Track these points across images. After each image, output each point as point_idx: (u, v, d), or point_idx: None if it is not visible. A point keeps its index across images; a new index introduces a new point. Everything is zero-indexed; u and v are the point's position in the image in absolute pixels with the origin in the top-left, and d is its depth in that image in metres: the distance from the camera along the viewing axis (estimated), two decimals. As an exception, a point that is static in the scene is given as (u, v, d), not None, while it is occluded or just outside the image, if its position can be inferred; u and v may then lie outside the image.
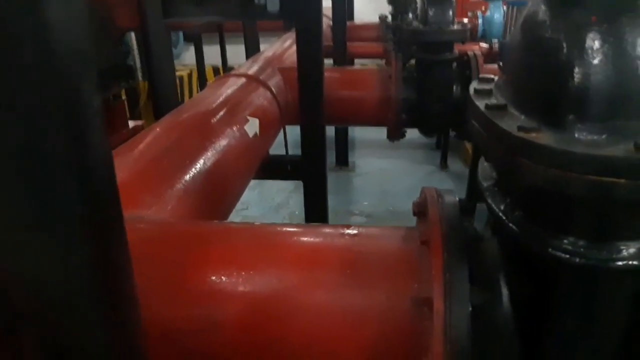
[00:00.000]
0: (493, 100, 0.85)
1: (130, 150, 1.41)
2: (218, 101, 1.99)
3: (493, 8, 5.60)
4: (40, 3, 0.43)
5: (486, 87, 0.94)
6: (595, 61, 0.69)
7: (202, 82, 5.95)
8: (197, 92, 5.94)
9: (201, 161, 1.46)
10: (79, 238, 0.52)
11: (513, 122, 0.74)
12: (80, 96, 0.50)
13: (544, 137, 0.67)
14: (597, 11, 0.72)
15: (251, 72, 2.52)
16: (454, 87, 2.71)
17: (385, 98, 2.74)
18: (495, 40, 4.70)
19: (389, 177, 4.39)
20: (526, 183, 0.72)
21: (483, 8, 6.62)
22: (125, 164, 1.30)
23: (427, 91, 2.72)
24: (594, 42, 0.70)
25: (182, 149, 1.48)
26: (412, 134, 3.00)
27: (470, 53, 2.72)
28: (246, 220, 3.58)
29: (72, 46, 0.47)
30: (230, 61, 6.27)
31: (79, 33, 0.48)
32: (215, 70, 7.98)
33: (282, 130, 2.58)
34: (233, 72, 2.54)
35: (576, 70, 0.69)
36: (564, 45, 0.72)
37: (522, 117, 0.77)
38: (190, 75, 5.81)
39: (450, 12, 2.67)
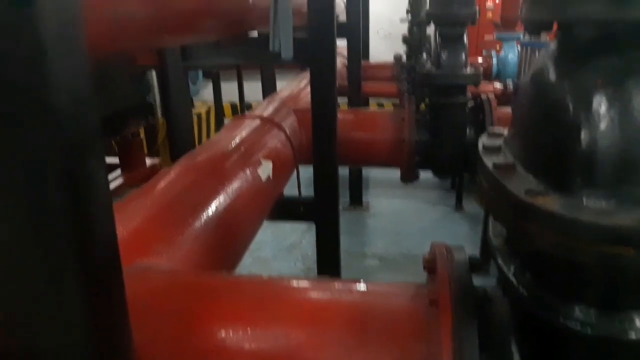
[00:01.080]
0: (501, 159, 0.85)
1: (145, 196, 1.44)
2: (232, 144, 2.02)
3: (507, 48, 5.67)
4: (45, 82, 0.45)
5: (495, 143, 0.94)
6: (602, 126, 0.69)
7: (219, 119, 6.07)
8: (215, 128, 6.05)
9: (213, 207, 1.47)
10: (75, 297, 0.52)
11: (521, 184, 0.74)
12: (84, 167, 0.51)
13: (552, 202, 0.67)
14: (603, 73, 0.73)
15: (266, 113, 2.56)
16: (468, 130, 2.71)
17: (399, 140, 2.75)
18: (509, 81, 4.72)
19: (403, 218, 4.36)
20: (534, 247, 0.71)
21: (497, 47, 6.70)
22: (139, 210, 1.32)
23: (440, 134, 2.73)
24: (600, 106, 0.70)
25: (195, 195, 1.49)
26: (427, 173, 3.00)
27: (483, 97, 2.74)
28: (258, 261, 3.57)
29: (78, 125, 0.49)
30: (248, 97, 6.40)
31: (86, 113, 0.50)
32: (233, 107, 8.15)
33: (295, 171, 2.60)
34: (249, 113, 2.59)
35: (583, 134, 0.69)
36: (571, 107, 0.72)
37: (530, 176, 0.77)
38: (208, 113, 5.94)
39: (463, 55, 2.70)
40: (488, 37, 7.60)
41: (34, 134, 0.46)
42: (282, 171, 2.26)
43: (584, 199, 0.67)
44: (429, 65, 2.77)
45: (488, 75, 5.57)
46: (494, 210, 0.83)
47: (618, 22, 0.69)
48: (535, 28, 0.78)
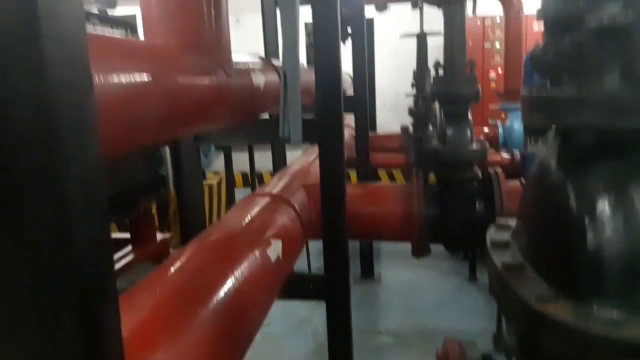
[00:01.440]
0: (510, 257, 0.85)
1: (153, 283, 1.43)
2: (242, 224, 2.04)
3: (512, 118, 5.78)
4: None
5: (503, 237, 0.94)
6: (607, 232, 0.69)
7: (230, 190, 6.14)
8: (226, 199, 6.11)
9: (222, 294, 1.46)
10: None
11: (531, 288, 0.73)
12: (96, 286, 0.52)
13: (562, 311, 0.66)
14: (604, 178, 0.74)
15: (275, 191, 2.60)
16: (477, 205, 2.72)
17: (408, 214, 2.76)
18: (516, 151, 4.78)
19: (416, 290, 4.26)
20: (546, 354, 0.69)
21: (503, 116, 6.84)
22: (146, 300, 1.32)
23: (449, 209, 2.74)
24: (603, 212, 0.70)
25: (204, 281, 1.49)
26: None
27: (491, 171, 2.77)
28: (268, 338, 3.47)
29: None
30: (259, 166, 6.51)
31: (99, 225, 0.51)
32: (244, 176, 8.28)
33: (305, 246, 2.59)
34: (259, 191, 2.63)
35: (588, 241, 0.69)
36: (574, 212, 0.73)
37: (540, 279, 0.77)
38: (219, 184, 6.02)
39: (468, 132, 2.76)
40: (493, 106, 7.80)
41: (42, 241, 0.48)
42: (291, 248, 2.26)
43: (595, 307, 0.66)
44: (435, 141, 2.83)
45: (495, 144, 5.65)
46: (505, 310, 0.82)
47: (616, 130, 0.71)
48: (535, 132, 0.80)
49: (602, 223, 0.69)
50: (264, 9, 4.09)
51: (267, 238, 2.02)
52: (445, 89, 2.68)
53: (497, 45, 7.99)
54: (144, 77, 1.15)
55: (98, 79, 0.98)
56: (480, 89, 2.73)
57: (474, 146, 2.72)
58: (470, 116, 2.78)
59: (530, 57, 0.86)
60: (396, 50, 8.36)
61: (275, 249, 2.00)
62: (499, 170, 2.80)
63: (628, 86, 0.70)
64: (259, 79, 2.07)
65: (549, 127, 0.80)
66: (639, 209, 0.69)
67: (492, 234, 0.97)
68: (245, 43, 7.08)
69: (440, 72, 2.78)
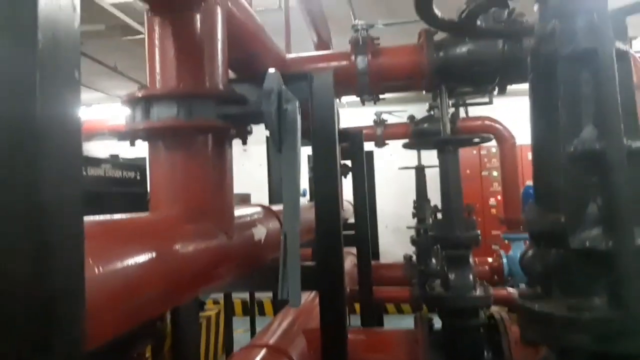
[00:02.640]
0: None
1: None
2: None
3: (515, 248, 5.77)
4: None
5: None
6: None
7: (229, 319, 5.95)
8: (224, 334, 5.87)
9: None
10: None
11: None
12: None
13: None
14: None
15: (274, 339, 2.51)
16: (484, 354, 2.60)
17: (413, 364, 2.63)
18: (522, 286, 4.69)
19: None
20: None
21: (506, 241, 6.83)
22: None
23: (456, 356, 2.62)
24: None
25: None
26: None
27: (497, 316, 2.69)
28: None
29: None
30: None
31: None
32: (244, 304, 8.06)
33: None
34: (255, 340, 2.54)
35: None
36: None
37: None
38: (218, 315, 5.85)
39: (471, 277, 2.74)
40: (495, 232, 7.84)
41: None
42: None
43: None
44: (438, 285, 2.79)
45: (500, 274, 5.57)
46: None
47: (607, 353, 0.70)
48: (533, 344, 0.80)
49: None
50: (269, 149, 4.31)
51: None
52: (445, 234, 2.72)
53: (495, 173, 8.27)
54: (145, 260, 1.17)
55: (97, 269, 1.00)
56: (479, 233, 2.76)
57: (478, 291, 2.68)
58: (471, 260, 2.78)
59: (519, 262, 0.88)
60: (397, 177, 8.64)
61: (271, 415, 1.87)
62: (505, 315, 2.72)
63: (617, 310, 0.71)
64: (260, 233, 2.11)
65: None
66: None
67: None
68: (252, 171, 7.38)
69: (439, 215, 2.84)
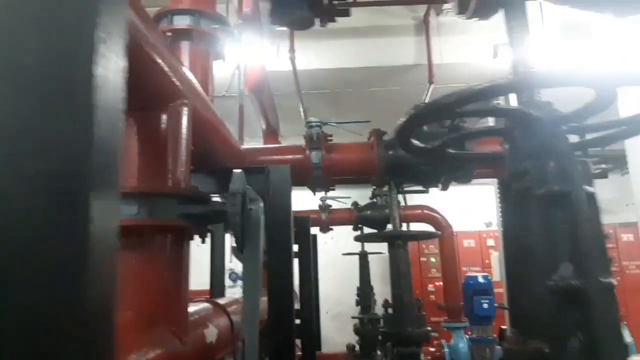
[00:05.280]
0: None
1: None
2: None
3: (457, 337, 5.78)
4: None
5: None
6: None
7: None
8: None
9: None
10: None
11: None
12: None
13: None
14: None
15: None
16: None
17: None
18: (467, 379, 4.68)
19: None
20: None
21: (445, 329, 6.85)
22: None
23: None
24: None
25: None
26: None
27: (448, 417, 2.64)
28: None
29: None
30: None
31: None
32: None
33: None
34: None
35: None
36: None
37: None
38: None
39: (422, 375, 2.70)
40: (435, 319, 7.88)
41: None
42: None
43: None
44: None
45: (442, 366, 5.53)
46: None
47: None
48: None
49: None
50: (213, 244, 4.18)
51: None
52: (398, 330, 2.70)
53: (432, 259, 8.46)
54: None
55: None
56: (430, 329, 2.77)
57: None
58: (422, 357, 2.76)
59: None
60: (337, 260, 8.62)
61: None
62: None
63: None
64: (212, 334, 2.00)
65: None
66: None
67: None
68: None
69: (389, 310, 2.84)
